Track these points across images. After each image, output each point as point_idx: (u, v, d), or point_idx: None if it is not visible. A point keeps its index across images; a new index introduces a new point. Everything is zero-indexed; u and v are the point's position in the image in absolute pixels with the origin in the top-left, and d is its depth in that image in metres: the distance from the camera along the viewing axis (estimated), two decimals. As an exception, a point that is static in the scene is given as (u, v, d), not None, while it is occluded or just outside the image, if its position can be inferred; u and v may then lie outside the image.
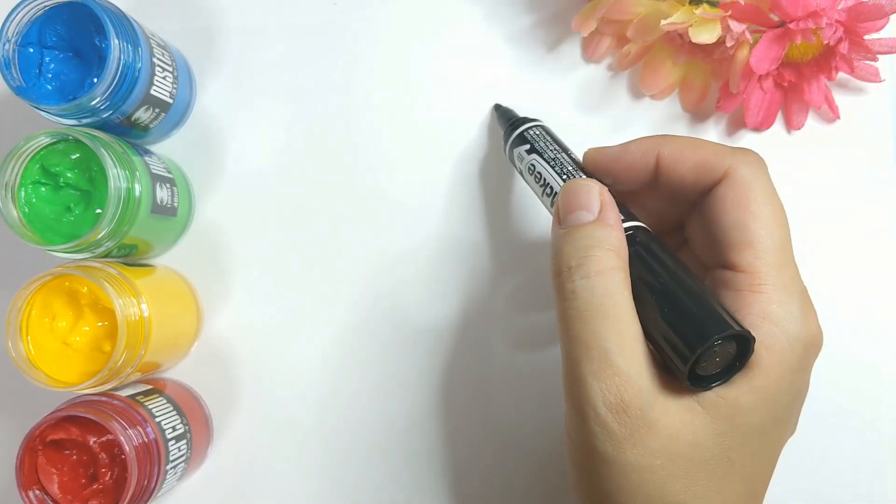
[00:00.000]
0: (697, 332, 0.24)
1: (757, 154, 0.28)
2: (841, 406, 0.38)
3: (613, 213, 0.27)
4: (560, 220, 0.28)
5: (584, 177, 0.30)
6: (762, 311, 0.25)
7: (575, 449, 0.26)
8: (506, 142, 0.35)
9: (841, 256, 0.38)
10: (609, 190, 0.28)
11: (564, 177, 0.31)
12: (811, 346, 0.26)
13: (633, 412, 0.24)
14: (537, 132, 0.34)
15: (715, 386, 0.24)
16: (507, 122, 0.36)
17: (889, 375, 0.38)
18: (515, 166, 0.35)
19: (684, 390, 0.25)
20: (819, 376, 0.37)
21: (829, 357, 0.38)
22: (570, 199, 0.28)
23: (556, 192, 0.30)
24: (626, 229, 0.27)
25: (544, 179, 0.31)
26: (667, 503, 0.24)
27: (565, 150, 0.32)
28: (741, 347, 0.24)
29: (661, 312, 0.25)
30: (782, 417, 0.26)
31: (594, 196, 0.27)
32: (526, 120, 0.35)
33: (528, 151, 0.33)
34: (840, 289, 0.38)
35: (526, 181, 0.33)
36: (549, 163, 0.32)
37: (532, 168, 0.32)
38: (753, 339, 0.24)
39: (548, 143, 0.33)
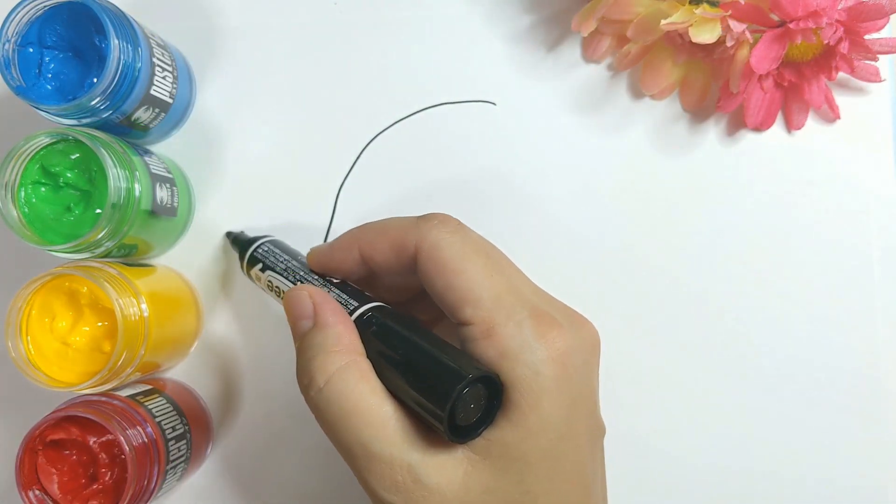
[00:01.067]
0: (442, 388, 0.24)
1: (440, 215, 0.28)
2: (842, 407, 0.38)
3: (329, 310, 0.28)
4: (292, 333, 0.29)
5: (313, 279, 0.31)
6: (498, 352, 0.25)
7: None
8: (241, 266, 0.36)
9: (841, 256, 0.38)
10: (336, 281, 0.30)
11: (298, 282, 0.32)
12: (565, 355, 0.26)
13: (409, 487, 0.25)
14: (266, 248, 0.35)
15: (482, 431, 0.25)
16: (238, 246, 0.37)
17: (890, 376, 0.38)
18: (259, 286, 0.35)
19: (454, 446, 0.25)
20: (819, 379, 0.38)
21: (828, 360, 0.38)
22: (288, 312, 0.29)
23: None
24: (361, 314, 0.28)
25: (282, 291, 0.33)
26: None
27: (295, 256, 0.34)
28: (490, 388, 0.25)
29: (408, 382, 0.26)
30: (568, 432, 0.26)
31: (305, 302, 0.28)
32: (254, 240, 0.36)
33: (262, 269, 0.34)
34: (840, 289, 0.38)
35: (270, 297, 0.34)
36: (281, 274, 0.33)
37: (270, 284, 0.33)
38: (496, 374, 0.25)
39: (277, 257, 0.34)
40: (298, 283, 0.32)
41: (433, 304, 0.28)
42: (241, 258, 0.36)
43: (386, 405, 0.26)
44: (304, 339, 0.28)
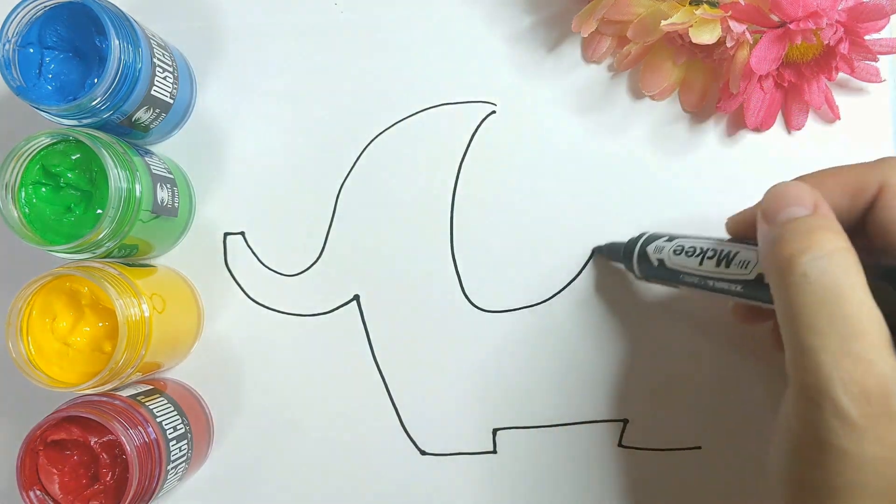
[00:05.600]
0: None
1: None
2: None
3: (826, 208, 0.26)
4: (769, 219, 0.26)
5: (732, 242, 0.30)
6: None
7: (798, 441, 0.24)
8: (633, 247, 0.35)
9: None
10: None
11: (715, 243, 0.31)
12: None
13: (875, 400, 0.22)
14: (660, 233, 0.35)
15: None
16: (618, 244, 0.36)
17: None
18: (644, 267, 0.34)
19: None
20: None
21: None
22: (779, 198, 0.26)
23: (719, 250, 0.30)
24: None
25: (700, 248, 0.31)
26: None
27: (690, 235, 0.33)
28: None
29: None
30: None
31: (806, 193, 0.26)
32: (642, 233, 0.35)
33: (668, 240, 0.33)
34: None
35: (668, 270, 0.33)
36: (696, 239, 0.32)
37: (681, 247, 0.32)
38: None
39: (679, 234, 0.33)
40: (717, 242, 0.31)
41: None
42: (632, 244, 0.35)
43: (877, 309, 0.23)
44: (800, 219, 0.25)
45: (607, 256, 0.38)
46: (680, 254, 0.32)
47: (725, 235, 0.32)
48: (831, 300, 0.23)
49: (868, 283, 0.23)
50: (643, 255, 0.34)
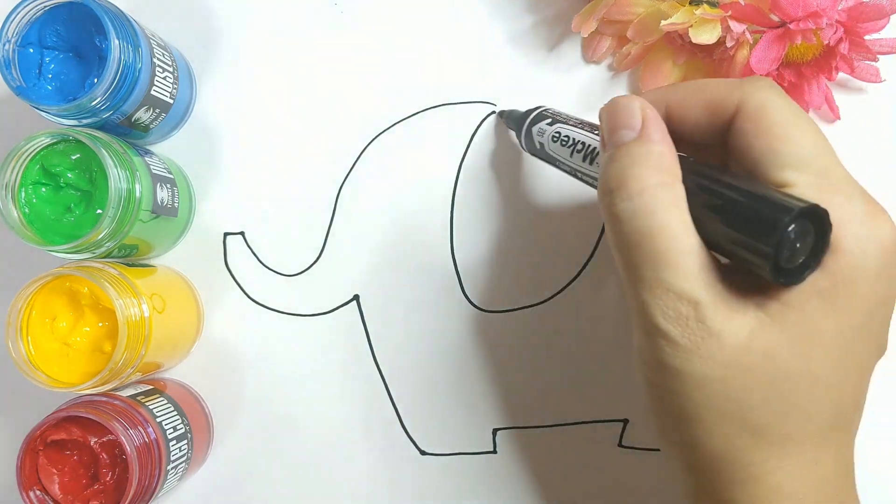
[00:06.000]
0: (768, 223, 0.23)
1: (766, 79, 0.27)
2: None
3: (656, 127, 0.26)
4: (604, 143, 0.27)
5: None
6: None
7: (646, 367, 0.25)
8: (522, 122, 0.35)
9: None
10: None
11: (595, 132, 0.31)
12: (892, 247, 0.24)
13: (690, 323, 0.24)
14: (551, 111, 0.35)
15: (807, 275, 0.23)
16: (517, 113, 0.36)
17: None
18: (530, 145, 0.35)
19: (746, 300, 0.24)
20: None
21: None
22: (611, 118, 0.27)
23: (587, 145, 0.31)
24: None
25: (573, 139, 0.32)
26: (744, 421, 0.24)
27: (580, 119, 0.33)
28: (818, 229, 0.23)
29: (727, 220, 0.24)
30: (863, 326, 0.24)
31: (635, 112, 0.26)
32: (536, 107, 0.36)
33: (550, 124, 0.33)
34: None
35: (547, 154, 0.33)
36: (575, 126, 0.32)
37: (558, 135, 0.32)
38: (825, 211, 0.23)
39: (566, 116, 0.33)
40: (595, 132, 0.31)
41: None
42: (524, 117, 0.35)
43: (691, 238, 0.24)
44: (623, 147, 0.26)
45: (505, 122, 0.38)
46: (556, 141, 0.33)
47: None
48: (640, 240, 0.24)
49: (689, 205, 0.25)
50: (528, 133, 0.35)
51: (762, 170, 0.25)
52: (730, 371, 0.24)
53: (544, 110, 0.35)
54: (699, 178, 0.25)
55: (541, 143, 0.34)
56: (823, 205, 0.23)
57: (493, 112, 0.39)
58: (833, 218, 0.23)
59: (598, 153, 0.30)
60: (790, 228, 0.22)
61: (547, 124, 0.34)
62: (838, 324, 0.24)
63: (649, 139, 0.26)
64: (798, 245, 0.23)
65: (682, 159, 0.26)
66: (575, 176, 0.32)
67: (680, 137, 0.28)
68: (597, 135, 0.31)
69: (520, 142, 0.36)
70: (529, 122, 0.35)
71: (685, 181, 0.25)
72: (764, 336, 0.24)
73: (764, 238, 0.23)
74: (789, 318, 0.24)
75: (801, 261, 0.23)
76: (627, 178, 0.25)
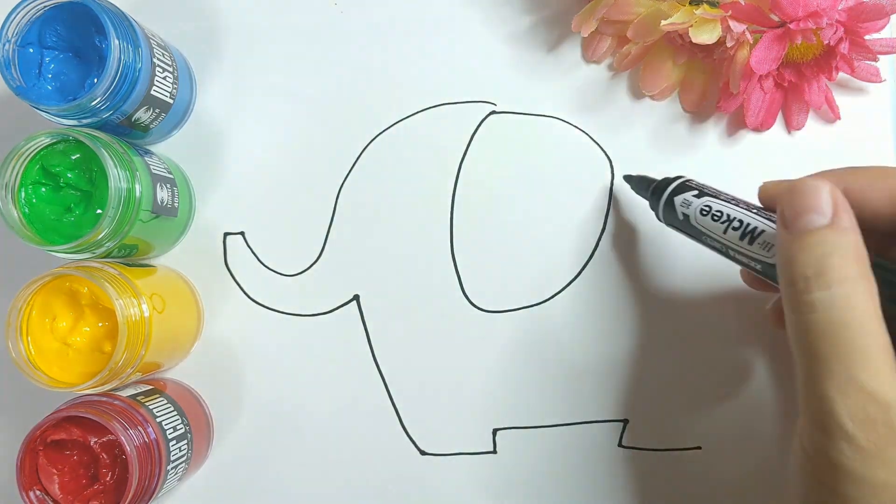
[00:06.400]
0: None
1: None
2: None
3: (847, 215, 0.25)
4: (787, 224, 0.26)
5: (763, 214, 0.29)
6: None
7: (812, 464, 0.24)
8: (662, 191, 0.34)
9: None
10: None
11: (752, 211, 0.30)
12: None
13: (880, 427, 0.23)
14: (695, 182, 0.33)
15: None
16: (653, 180, 0.35)
17: None
18: (669, 216, 0.33)
19: None
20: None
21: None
22: (796, 200, 0.25)
23: (746, 224, 0.30)
24: None
25: (727, 215, 0.30)
26: None
27: (731, 195, 0.32)
28: None
29: None
30: None
31: (825, 197, 0.25)
32: (677, 177, 0.34)
33: (697, 196, 0.32)
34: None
35: (693, 227, 0.32)
36: (728, 202, 0.31)
37: (708, 209, 0.31)
38: None
39: (713, 189, 0.32)
40: (752, 210, 0.30)
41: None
42: (662, 187, 0.34)
43: (885, 335, 0.23)
44: (816, 233, 0.25)
45: (634, 187, 0.37)
46: (707, 215, 0.31)
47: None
48: (836, 332, 0.23)
49: (882, 304, 0.24)
50: (670, 203, 0.33)
51: None
52: None
53: (687, 181, 0.33)
54: (881, 271, 0.25)
55: (685, 215, 0.32)
56: None
57: (493, 112, 0.39)
58: None
59: (759, 233, 0.29)
60: None
61: (693, 196, 0.32)
62: None
63: (842, 227, 0.25)
64: None
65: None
66: (724, 253, 0.31)
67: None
68: (755, 213, 0.30)
69: (656, 211, 0.34)
70: (671, 193, 0.33)
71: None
72: None
73: None
74: None
75: None
76: (826, 267, 0.24)
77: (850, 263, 0.24)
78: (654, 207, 0.35)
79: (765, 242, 0.29)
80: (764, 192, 0.31)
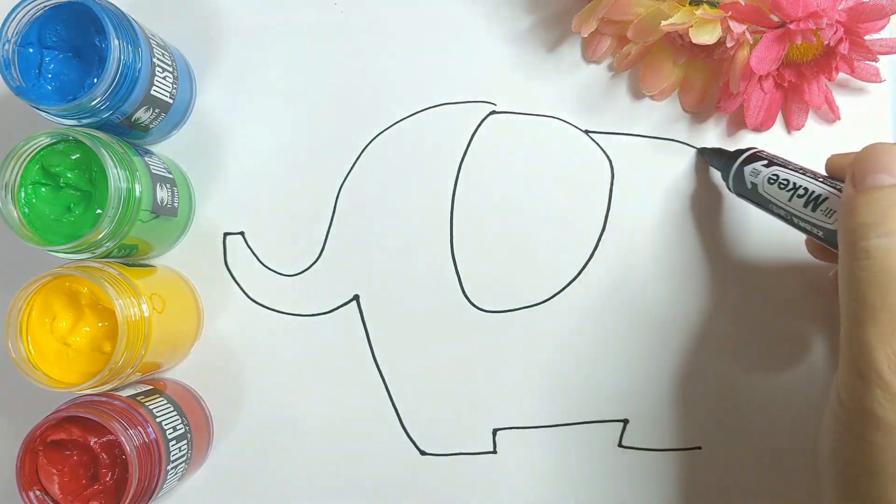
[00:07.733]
0: None
1: None
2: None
3: None
4: (856, 181, 0.27)
5: (830, 183, 0.30)
6: None
7: (844, 410, 0.25)
8: (733, 161, 0.35)
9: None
10: None
11: (819, 180, 0.31)
12: None
13: None
14: (766, 153, 0.34)
15: None
16: (725, 151, 0.36)
17: None
18: (738, 185, 0.34)
19: None
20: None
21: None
22: (868, 161, 0.27)
23: (811, 191, 0.31)
24: None
25: (794, 183, 0.31)
26: None
27: (800, 165, 0.33)
28: None
29: None
30: None
31: (895, 159, 0.26)
32: (749, 148, 0.35)
33: (766, 165, 0.33)
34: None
35: (760, 195, 0.33)
36: (795, 171, 0.32)
37: (775, 177, 0.32)
38: None
39: (782, 159, 0.33)
40: (819, 179, 0.31)
41: None
42: (733, 157, 0.35)
43: None
44: (883, 189, 0.26)
45: (708, 159, 0.38)
46: (773, 183, 0.32)
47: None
48: (886, 281, 0.24)
49: None
50: (739, 173, 0.34)
51: None
52: None
53: (758, 151, 0.35)
54: None
55: (753, 184, 0.33)
56: None
57: (493, 112, 0.39)
58: None
59: (822, 200, 0.30)
60: None
61: (763, 165, 0.33)
62: None
63: None
64: None
65: None
66: (789, 221, 0.32)
67: None
68: (821, 181, 0.31)
69: (726, 180, 0.36)
70: (742, 161, 0.34)
71: None
72: None
73: None
74: None
75: None
76: (887, 217, 0.25)
77: None
78: (725, 178, 0.36)
79: (827, 209, 0.29)
80: (831, 162, 0.31)
